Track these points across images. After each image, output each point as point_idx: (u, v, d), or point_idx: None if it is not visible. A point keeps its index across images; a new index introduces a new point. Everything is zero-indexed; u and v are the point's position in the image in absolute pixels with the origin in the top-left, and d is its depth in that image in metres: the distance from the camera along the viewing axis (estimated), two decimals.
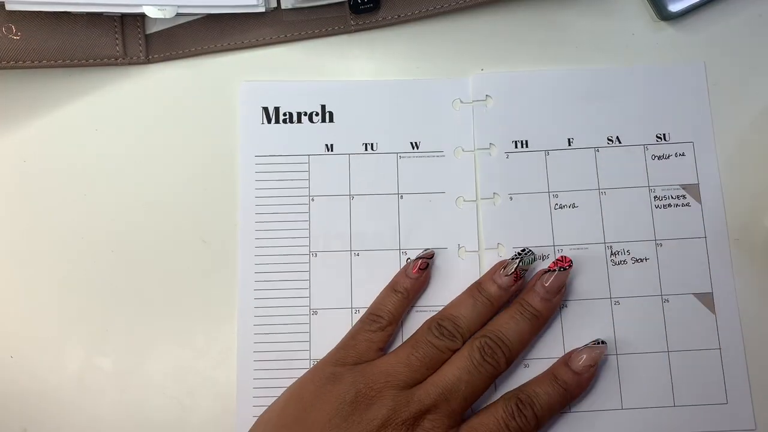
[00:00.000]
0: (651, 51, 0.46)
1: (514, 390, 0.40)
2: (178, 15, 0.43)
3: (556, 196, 0.44)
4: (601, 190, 0.44)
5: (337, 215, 0.44)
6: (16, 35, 0.43)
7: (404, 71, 0.45)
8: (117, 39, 0.45)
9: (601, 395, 0.42)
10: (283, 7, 0.44)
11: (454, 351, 0.40)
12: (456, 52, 0.46)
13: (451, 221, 0.44)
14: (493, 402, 0.39)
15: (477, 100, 0.45)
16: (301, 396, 0.39)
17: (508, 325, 0.40)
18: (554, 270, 0.41)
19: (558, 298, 0.41)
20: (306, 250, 0.43)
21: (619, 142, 0.45)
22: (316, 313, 0.43)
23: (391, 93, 0.45)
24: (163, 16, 0.42)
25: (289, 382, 0.41)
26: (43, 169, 0.45)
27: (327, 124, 0.45)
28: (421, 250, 0.43)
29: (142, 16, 0.43)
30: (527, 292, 0.41)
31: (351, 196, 0.44)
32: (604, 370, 0.42)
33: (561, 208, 0.44)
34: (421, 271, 0.42)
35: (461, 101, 0.45)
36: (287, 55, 0.46)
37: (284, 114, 0.45)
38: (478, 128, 0.45)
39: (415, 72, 0.45)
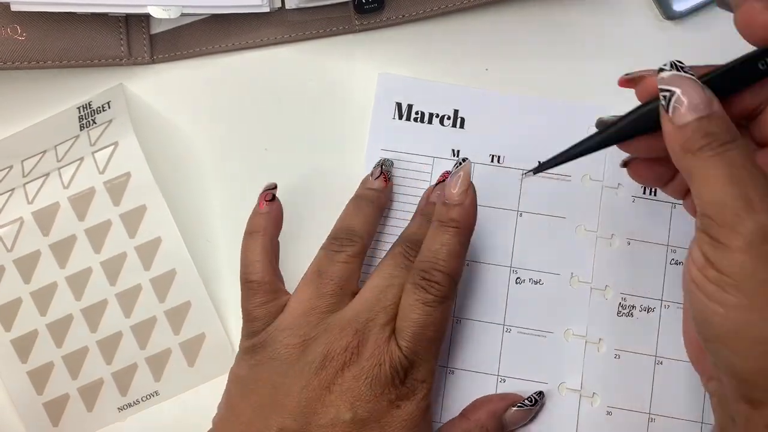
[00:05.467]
0: (657, 50, 0.45)
1: (416, 263, 0.37)
2: (183, 15, 0.43)
3: (674, 251, 0.42)
4: None
5: None
6: (21, 36, 0.43)
7: (409, 71, 0.45)
8: (122, 39, 0.45)
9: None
10: (287, 7, 0.44)
11: (358, 255, 0.38)
12: (461, 52, 0.45)
13: (568, 249, 0.43)
14: (404, 290, 0.37)
15: None
16: (238, 382, 0.37)
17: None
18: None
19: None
20: None
21: None
22: None
23: (526, 108, 0.44)
24: (167, 17, 0.42)
25: None
26: None
27: (457, 130, 0.44)
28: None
29: (147, 16, 0.43)
30: (437, 209, 0.38)
31: None
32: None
33: (676, 264, 0.42)
34: (269, 203, 0.40)
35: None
36: (292, 55, 0.46)
37: (416, 113, 0.44)
38: (610, 163, 0.43)
39: (420, 72, 0.45)
